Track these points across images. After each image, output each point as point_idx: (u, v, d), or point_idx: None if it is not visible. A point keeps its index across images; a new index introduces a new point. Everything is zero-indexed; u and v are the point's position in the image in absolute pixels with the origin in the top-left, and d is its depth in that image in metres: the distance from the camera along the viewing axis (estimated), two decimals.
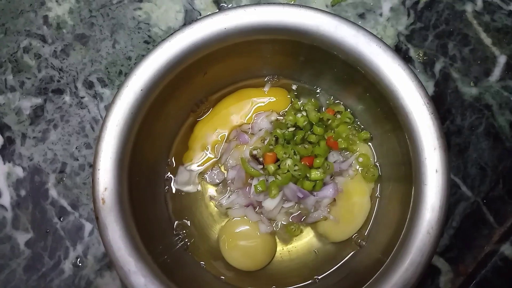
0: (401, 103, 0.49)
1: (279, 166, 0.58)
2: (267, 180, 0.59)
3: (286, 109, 0.63)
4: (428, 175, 0.47)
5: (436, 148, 0.47)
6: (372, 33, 0.50)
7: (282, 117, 0.62)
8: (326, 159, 0.59)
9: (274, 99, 0.62)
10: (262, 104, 0.63)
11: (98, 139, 0.49)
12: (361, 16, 0.67)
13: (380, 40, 0.50)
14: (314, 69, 0.59)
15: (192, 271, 0.59)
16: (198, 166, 0.63)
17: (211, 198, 0.63)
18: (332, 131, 0.61)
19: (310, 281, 0.59)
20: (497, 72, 0.66)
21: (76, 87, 0.67)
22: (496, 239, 0.63)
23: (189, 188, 0.62)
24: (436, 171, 0.47)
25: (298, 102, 0.62)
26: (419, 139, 0.48)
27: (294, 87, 0.63)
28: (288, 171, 0.57)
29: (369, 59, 0.50)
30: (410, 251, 0.46)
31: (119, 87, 0.50)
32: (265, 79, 0.63)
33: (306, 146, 0.58)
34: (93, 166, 0.49)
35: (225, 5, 0.68)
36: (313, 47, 0.53)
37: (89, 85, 0.67)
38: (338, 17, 0.50)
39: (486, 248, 0.63)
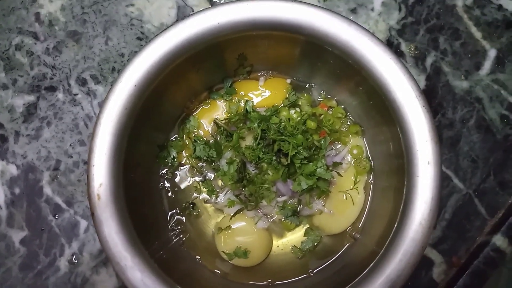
0: (393, 96, 0.49)
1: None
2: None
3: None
4: (420, 167, 0.48)
5: (428, 140, 0.48)
6: (364, 27, 0.50)
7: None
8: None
9: (270, 93, 0.63)
10: (259, 99, 0.63)
11: (92, 135, 0.49)
12: (353, 11, 0.67)
13: (372, 34, 0.50)
14: (308, 64, 0.60)
15: (188, 266, 0.59)
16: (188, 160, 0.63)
17: (205, 201, 0.63)
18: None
19: (305, 275, 0.60)
20: (487, 65, 0.66)
21: (69, 84, 0.67)
22: (488, 230, 0.64)
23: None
24: (428, 163, 0.48)
25: (293, 95, 0.62)
26: (411, 131, 0.49)
27: (288, 81, 0.64)
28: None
29: (360, 53, 0.50)
30: (403, 242, 0.47)
31: (113, 83, 0.50)
32: (259, 74, 0.64)
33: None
34: (87, 162, 0.49)
35: (218, 1, 0.68)
36: (307, 42, 0.53)
37: (82, 82, 0.67)
38: (330, 11, 0.51)
39: (478, 239, 0.64)
